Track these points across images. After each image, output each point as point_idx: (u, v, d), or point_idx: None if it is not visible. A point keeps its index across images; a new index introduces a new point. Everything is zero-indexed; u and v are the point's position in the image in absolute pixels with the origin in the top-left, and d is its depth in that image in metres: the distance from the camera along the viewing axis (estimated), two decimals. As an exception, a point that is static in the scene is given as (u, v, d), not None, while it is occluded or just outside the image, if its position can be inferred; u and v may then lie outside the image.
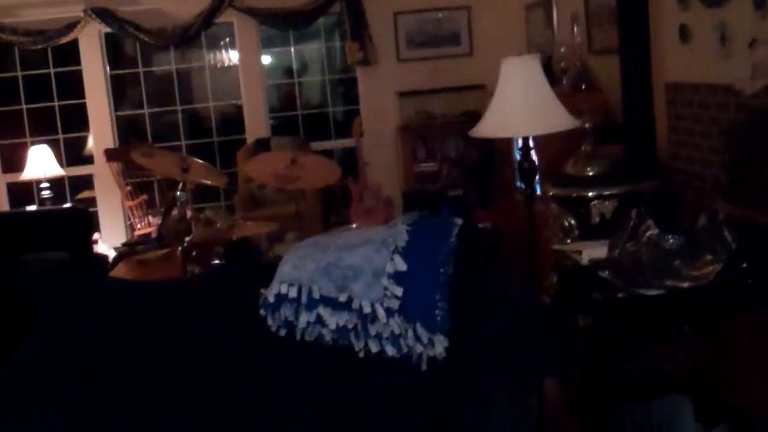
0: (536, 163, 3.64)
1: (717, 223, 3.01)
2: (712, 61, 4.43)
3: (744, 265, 2.97)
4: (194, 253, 4.09)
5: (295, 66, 8.76)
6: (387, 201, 7.57)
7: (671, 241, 3.01)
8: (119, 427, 2.70)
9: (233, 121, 8.53)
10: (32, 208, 7.50)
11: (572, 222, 4.37)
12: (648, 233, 3.04)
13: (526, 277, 3.83)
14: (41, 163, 7.64)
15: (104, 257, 5.81)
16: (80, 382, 2.72)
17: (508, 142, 6.13)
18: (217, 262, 4.13)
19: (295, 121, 8.62)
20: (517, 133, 3.40)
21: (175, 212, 4.25)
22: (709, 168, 4.41)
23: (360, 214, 6.19)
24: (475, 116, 4.86)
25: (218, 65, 8.56)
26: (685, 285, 2.98)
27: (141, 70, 8.37)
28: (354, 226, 5.23)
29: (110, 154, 7.84)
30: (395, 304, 2.72)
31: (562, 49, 6.47)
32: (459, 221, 3.09)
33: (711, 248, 2.96)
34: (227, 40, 8.48)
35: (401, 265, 2.83)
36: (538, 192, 5.35)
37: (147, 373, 2.79)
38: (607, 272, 3.24)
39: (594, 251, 3.53)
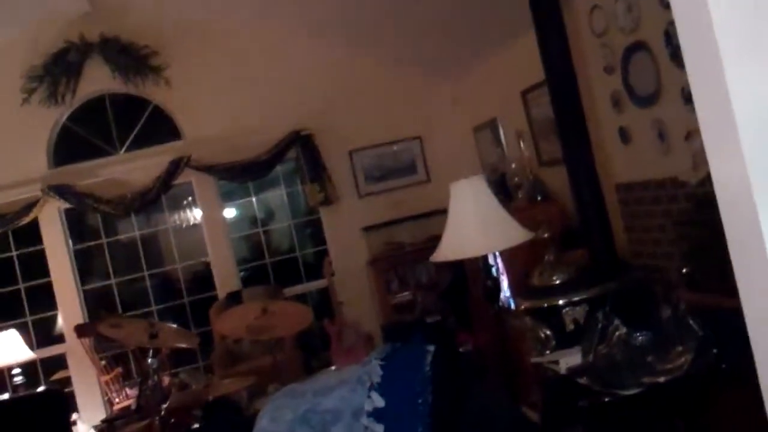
0: (503, 278, 3.68)
1: (681, 313, 3.03)
2: (655, 157, 4.57)
3: (714, 351, 2.98)
4: (172, 420, 4.02)
5: (259, 215, 8.85)
6: (367, 337, 7.53)
7: (640, 337, 3.02)
8: None
9: (203, 278, 8.53)
10: (5, 396, 7.32)
11: (548, 332, 4.37)
12: (617, 333, 3.06)
13: (509, 395, 3.81)
14: (10, 348, 7.47)
15: (85, 437, 5.68)
16: None
17: (475, 262, 6.18)
18: (196, 425, 4.06)
19: (265, 270, 8.65)
20: (474, 253, 3.47)
21: (150, 381, 4.20)
22: (670, 260, 4.47)
23: (341, 355, 6.14)
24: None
25: (183, 225, 8.62)
26: (662, 379, 2.97)
27: (105, 240, 8.39)
28: (333, 368, 5.20)
29: (80, 330, 7.72)
30: (377, 443, 2.69)
31: (513, 165, 6.62)
32: (431, 348, 3.09)
33: (680, 339, 2.98)
34: (189, 198, 8.57)
35: (379, 402, 2.81)
36: (513, 306, 5.37)
37: None
38: (585, 378, 3.24)
39: (571, 359, 3.53)
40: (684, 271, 3.86)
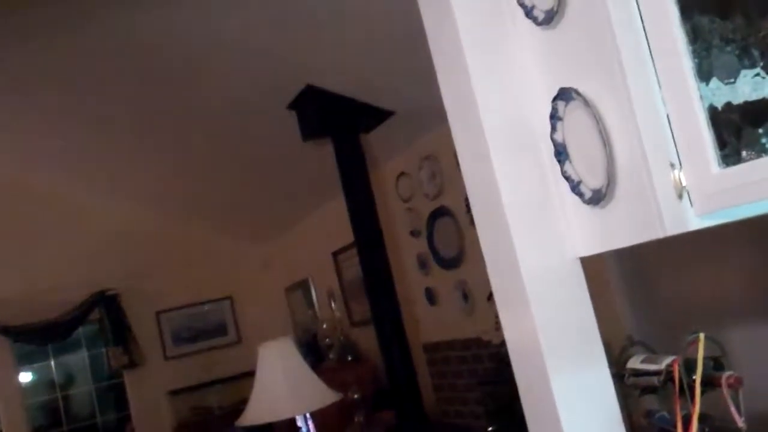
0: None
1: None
2: (460, 317, 4.73)
3: None
4: None
5: (57, 379, 8.34)
6: None
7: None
8: None
9: (-8, 449, 7.87)
10: None
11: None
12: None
13: None
14: None
15: None
16: None
17: (286, 426, 6.05)
18: None
19: (61, 438, 8.09)
20: (281, 416, 3.40)
21: None
22: (477, 418, 4.56)
23: None
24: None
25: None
26: None
27: None
28: None
29: None
30: None
31: (325, 325, 6.65)
32: None
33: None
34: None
35: None
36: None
37: None
38: None
39: None
40: (490, 429, 3.94)
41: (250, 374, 7.54)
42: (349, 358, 6.15)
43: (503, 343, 4.29)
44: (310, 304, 7.47)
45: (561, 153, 1.49)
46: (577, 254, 1.55)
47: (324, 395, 3.34)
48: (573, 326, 1.56)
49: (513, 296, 1.60)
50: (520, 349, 1.64)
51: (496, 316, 4.43)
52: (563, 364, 1.54)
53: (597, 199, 1.42)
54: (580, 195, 1.47)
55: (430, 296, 5.15)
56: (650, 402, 1.69)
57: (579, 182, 1.47)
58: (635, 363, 1.67)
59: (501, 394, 4.05)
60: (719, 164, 1.17)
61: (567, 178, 1.49)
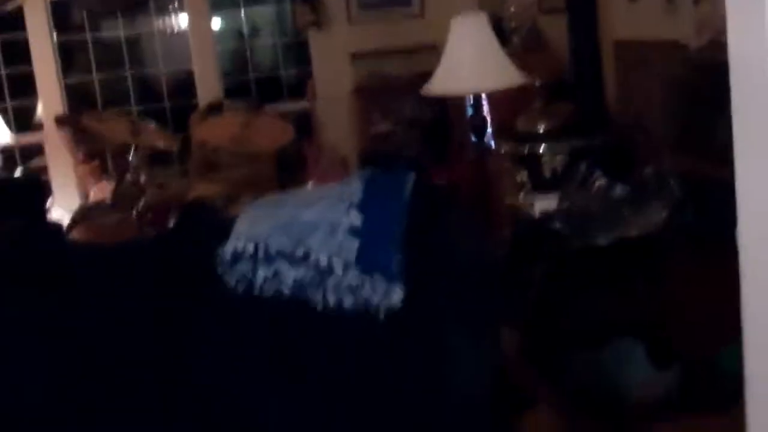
0: (488, 119, 3.70)
1: (663, 172, 3.09)
2: (659, 17, 4.51)
3: (690, 213, 3.06)
4: (149, 216, 4.08)
5: (246, 29, 8.67)
6: (342, 163, 7.60)
7: (619, 190, 3.09)
8: (78, 393, 2.71)
9: (185, 86, 8.43)
10: (-16, 179, 7.33)
11: (525, 177, 4.44)
12: (597, 183, 3.12)
13: (481, 231, 3.89)
14: (-8, 129, 7.49)
15: (59, 224, 5.74)
16: (39, 347, 2.72)
17: (461, 100, 6.16)
18: (172, 223, 4.12)
19: (247, 84, 8.56)
20: (468, 90, 3.46)
21: (128, 177, 4.22)
22: (657, 122, 4.50)
23: (316, 177, 6.23)
24: (428, 77, 4.90)
25: (168, 31, 8.44)
26: (633, 233, 3.06)
27: (89, 36, 8.22)
28: (310, 185, 5.27)
29: (60, 121, 7.71)
30: (352, 257, 2.76)
31: (513, 9, 6.50)
32: (413, 177, 3.14)
33: (658, 197, 3.04)
34: (176, 4, 8.35)
35: (357, 219, 2.86)
36: (492, 148, 5.41)
37: (106, 335, 2.79)
38: (557, 223, 3.32)
39: (546, 204, 3.60)
40: (672, 134, 3.89)
41: (429, 48, 7.63)
42: (534, 45, 6.06)
43: (702, 49, 4.10)
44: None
45: None
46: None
47: (512, 76, 3.35)
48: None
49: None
50: (744, 63, 1.52)
51: (700, 20, 4.19)
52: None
53: None
54: None
55: (630, -9, 4.90)
56: None
57: None
58: None
59: (689, 101, 3.96)
60: None
61: None
